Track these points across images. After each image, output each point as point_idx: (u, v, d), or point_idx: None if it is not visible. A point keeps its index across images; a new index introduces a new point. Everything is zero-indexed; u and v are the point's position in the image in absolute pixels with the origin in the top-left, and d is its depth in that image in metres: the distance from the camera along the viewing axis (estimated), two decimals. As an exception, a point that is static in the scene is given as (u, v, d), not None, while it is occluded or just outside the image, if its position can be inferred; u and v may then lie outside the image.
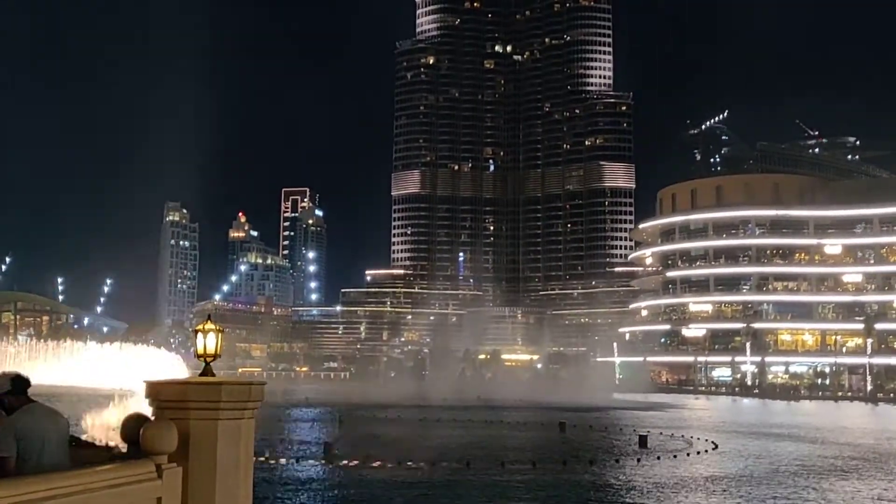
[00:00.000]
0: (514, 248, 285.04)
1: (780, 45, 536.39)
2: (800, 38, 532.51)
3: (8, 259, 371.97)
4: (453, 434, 44.91)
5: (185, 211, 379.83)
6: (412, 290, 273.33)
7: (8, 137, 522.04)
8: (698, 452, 39.42)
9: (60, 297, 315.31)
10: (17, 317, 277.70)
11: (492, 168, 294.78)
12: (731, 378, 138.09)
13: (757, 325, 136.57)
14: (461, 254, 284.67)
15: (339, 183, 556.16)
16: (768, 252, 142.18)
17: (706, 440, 43.96)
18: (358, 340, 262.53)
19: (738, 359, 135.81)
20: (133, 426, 8.12)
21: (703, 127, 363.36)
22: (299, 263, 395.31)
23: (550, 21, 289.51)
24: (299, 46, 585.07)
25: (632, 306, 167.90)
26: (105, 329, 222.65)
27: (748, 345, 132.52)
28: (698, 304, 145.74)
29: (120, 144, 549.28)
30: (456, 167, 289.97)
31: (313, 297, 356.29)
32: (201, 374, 9.27)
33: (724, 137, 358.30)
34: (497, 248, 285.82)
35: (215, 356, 9.60)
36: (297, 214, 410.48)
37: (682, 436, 47.02)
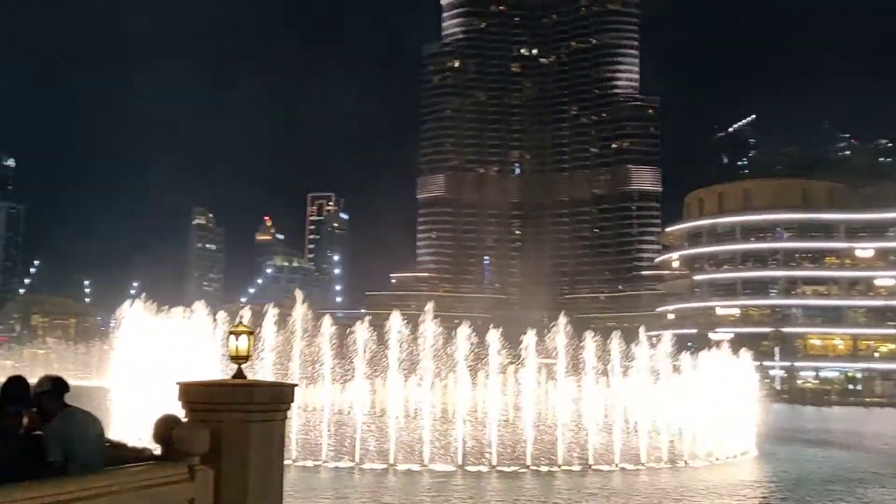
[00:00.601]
0: (540, 252, 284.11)
1: (808, 46, 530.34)
2: (829, 39, 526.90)
3: (36, 262, 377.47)
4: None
5: (211, 214, 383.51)
6: (437, 294, 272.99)
7: (35, 139, 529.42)
8: (728, 458, 39.00)
9: (88, 300, 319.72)
10: (46, 319, 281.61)
11: (518, 172, 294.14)
12: (759, 383, 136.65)
13: (786, 330, 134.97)
14: (486, 258, 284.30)
15: (364, 187, 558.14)
16: (797, 256, 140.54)
17: (735, 445, 43.42)
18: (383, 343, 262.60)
19: (766, 363, 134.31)
20: (165, 428, 8.14)
21: (731, 130, 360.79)
22: (324, 266, 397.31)
23: (577, 24, 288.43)
24: (325, 51, 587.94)
25: (658, 310, 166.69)
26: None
27: (777, 349, 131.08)
28: (725, 308, 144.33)
29: (147, 148, 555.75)
30: (482, 171, 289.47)
31: (338, 299, 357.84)
32: (234, 377, 9.28)
33: (751, 140, 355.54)
34: (523, 252, 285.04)
35: (247, 357, 9.62)
36: (322, 218, 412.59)
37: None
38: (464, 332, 37.33)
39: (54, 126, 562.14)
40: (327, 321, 39.43)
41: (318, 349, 38.41)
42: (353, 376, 38.88)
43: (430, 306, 39.62)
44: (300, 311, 39.04)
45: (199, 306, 40.30)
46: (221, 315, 40.91)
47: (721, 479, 32.34)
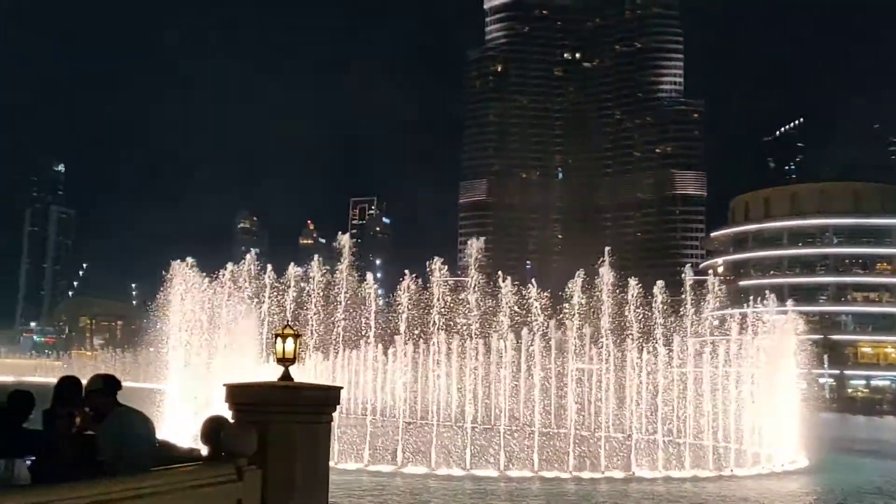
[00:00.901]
0: (582, 257, 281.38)
1: (856, 47, 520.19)
2: (879, 40, 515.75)
3: (85, 266, 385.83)
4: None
5: (255, 218, 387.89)
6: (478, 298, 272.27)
7: (83, 144, 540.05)
8: (776, 467, 38.21)
9: (134, 303, 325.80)
10: (94, 322, 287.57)
11: (561, 176, 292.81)
12: (807, 391, 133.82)
13: (835, 337, 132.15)
14: (529, 262, 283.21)
15: (406, 191, 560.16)
16: (847, 262, 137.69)
17: (786, 454, 42.55)
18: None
19: (814, 371, 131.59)
20: (213, 428, 8.19)
21: (778, 134, 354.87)
22: (366, 271, 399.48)
23: (621, 28, 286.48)
24: (369, 56, 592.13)
25: (703, 315, 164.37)
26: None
27: (826, 357, 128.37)
28: (772, 314, 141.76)
29: (193, 153, 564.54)
30: (524, 175, 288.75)
31: (380, 303, 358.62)
32: (281, 378, 9.31)
33: (799, 145, 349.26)
34: (565, 256, 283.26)
35: (294, 360, 9.66)
36: (364, 222, 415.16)
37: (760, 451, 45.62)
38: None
39: (102, 132, 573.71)
40: (370, 277, 40.32)
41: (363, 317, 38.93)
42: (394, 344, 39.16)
43: (475, 243, 39.76)
44: (346, 254, 39.72)
45: (250, 257, 41.07)
46: (269, 272, 41.67)
47: (770, 490, 31.68)
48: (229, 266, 40.87)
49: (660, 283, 40.92)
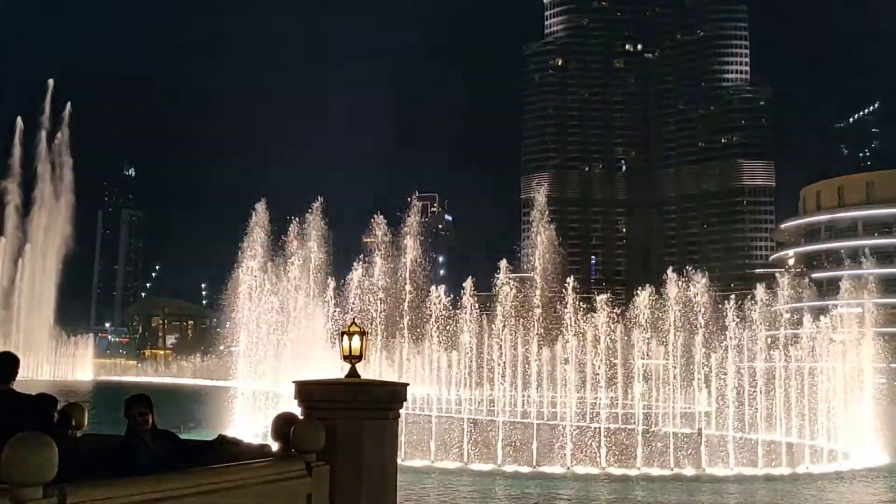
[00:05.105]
0: (647, 250, 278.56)
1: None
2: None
3: (157, 267, 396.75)
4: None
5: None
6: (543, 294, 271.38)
7: (150, 147, 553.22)
8: (856, 465, 37.11)
9: (204, 302, 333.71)
10: (165, 322, 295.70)
11: (623, 168, 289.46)
12: (887, 386, 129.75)
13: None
14: (593, 257, 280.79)
15: (467, 188, 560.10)
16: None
17: (863, 452, 41.28)
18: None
19: (893, 366, 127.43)
20: (283, 425, 8.34)
21: (851, 120, 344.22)
22: (429, 268, 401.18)
23: (683, 16, 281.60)
24: (427, 52, 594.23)
25: (773, 310, 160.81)
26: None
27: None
28: (848, 307, 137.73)
29: (257, 155, 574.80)
30: (586, 168, 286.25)
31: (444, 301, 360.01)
32: (347, 376, 9.41)
33: (874, 130, 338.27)
34: (630, 249, 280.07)
35: (360, 357, 9.74)
36: (426, 220, 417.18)
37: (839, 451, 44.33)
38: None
39: (170, 134, 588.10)
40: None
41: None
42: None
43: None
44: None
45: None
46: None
47: (850, 495, 30.72)
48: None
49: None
